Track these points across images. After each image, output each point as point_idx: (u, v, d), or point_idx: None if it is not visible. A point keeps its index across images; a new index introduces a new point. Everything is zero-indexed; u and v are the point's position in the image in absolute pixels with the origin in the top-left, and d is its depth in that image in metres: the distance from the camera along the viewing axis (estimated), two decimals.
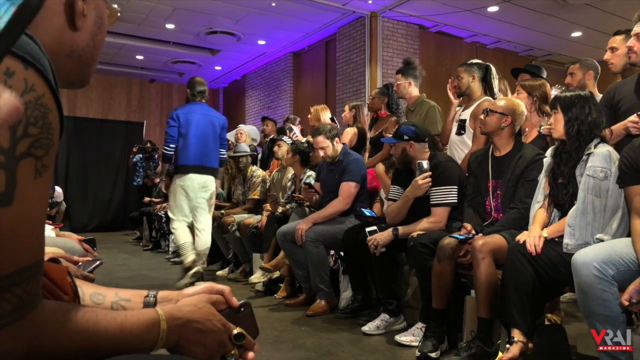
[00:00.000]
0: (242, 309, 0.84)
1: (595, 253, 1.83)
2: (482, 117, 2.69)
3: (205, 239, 4.18)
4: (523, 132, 2.97)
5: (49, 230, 2.42)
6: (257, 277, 4.17)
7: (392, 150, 3.09)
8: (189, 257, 4.06)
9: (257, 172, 4.94)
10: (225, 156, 4.46)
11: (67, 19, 0.66)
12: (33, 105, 0.54)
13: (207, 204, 4.20)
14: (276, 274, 3.97)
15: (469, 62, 3.39)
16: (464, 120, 3.41)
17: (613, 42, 2.98)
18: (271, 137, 5.75)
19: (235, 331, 0.78)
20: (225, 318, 0.79)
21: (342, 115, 4.71)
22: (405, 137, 2.91)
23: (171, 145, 4.07)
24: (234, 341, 0.78)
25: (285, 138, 4.66)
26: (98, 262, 1.61)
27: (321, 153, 3.61)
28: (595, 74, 3.44)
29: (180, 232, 4.13)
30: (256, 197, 4.78)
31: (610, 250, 1.84)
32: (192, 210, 4.15)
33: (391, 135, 3.15)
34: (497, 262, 2.30)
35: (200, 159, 4.08)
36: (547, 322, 2.60)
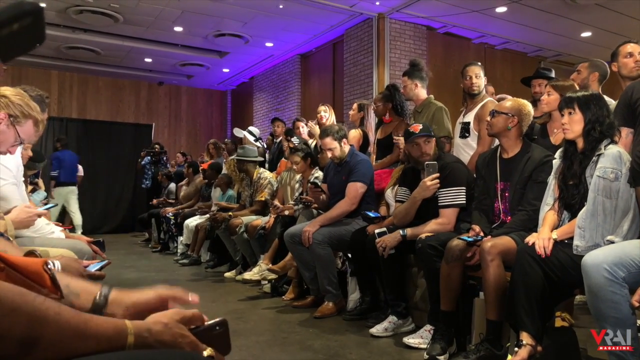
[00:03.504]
0: (217, 328, 0.81)
1: (606, 255, 1.81)
2: (488, 118, 2.68)
3: (76, 217, 8.06)
4: (552, 134, 2.94)
5: (59, 232, 2.44)
6: (250, 275, 4.16)
7: (425, 148, 2.89)
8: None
9: (264, 174, 4.95)
10: (81, 174, 8.63)
11: None
12: None
13: (74, 200, 8.11)
14: (272, 275, 3.95)
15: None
16: (468, 123, 3.38)
17: None
18: (279, 139, 5.76)
19: (205, 353, 0.77)
20: (197, 337, 0.77)
21: (350, 113, 4.62)
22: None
23: (56, 171, 7.90)
24: None
25: (292, 139, 4.66)
26: (106, 262, 1.62)
27: (329, 154, 3.61)
28: (601, 76, 3.35)
29: (56, 212, 7.77)
30: (263, 199, 4.79)
31: (621, 252, 1.81)
32: (65, 203, 7.99)
33: (418, 131, 2.94)
34: (506, 264, 2.28)
35: (67, 178, 8.05)
36: (560, 322, 2.57)
